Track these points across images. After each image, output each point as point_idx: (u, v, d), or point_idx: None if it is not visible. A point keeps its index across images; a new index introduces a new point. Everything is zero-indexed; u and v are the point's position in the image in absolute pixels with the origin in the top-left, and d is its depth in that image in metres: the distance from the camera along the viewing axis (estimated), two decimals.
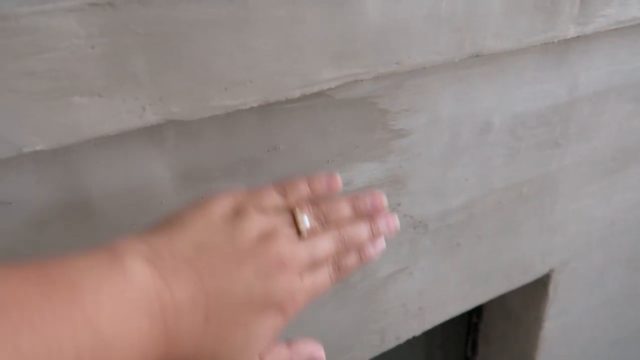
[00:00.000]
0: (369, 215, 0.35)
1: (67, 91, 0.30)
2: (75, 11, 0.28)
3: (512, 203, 0.62)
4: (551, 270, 0.74)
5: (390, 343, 0.62)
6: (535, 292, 0.78)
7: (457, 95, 0.49)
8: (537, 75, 0.53)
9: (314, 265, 0.31)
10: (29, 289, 0.22)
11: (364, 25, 0.37)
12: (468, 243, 0.61)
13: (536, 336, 0.82)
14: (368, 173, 0.48)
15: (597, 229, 0.74)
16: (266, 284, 0.28)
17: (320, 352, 0.34)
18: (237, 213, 0.30)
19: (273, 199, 0.33)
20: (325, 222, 0.33)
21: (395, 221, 0.35)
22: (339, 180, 0.35)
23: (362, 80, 0.40)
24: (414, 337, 0.64)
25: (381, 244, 0.35)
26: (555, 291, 0.77)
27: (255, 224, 0.30)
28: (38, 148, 0.30)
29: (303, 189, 0.34)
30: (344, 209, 0.34)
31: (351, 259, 0.34)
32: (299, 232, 0.32)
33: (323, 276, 0.32)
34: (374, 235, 0.34)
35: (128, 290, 0.25)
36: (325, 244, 0.32)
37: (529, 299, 0.81)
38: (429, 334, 0.75)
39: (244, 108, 0.36)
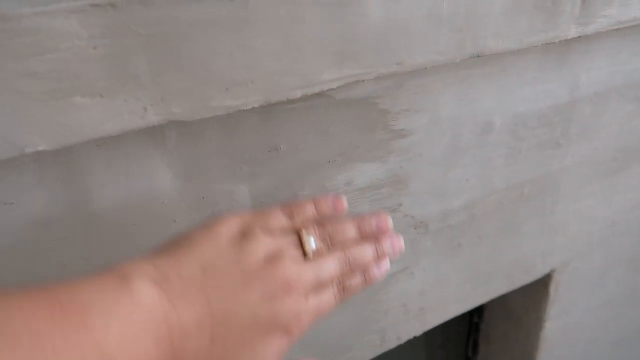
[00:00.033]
0: (374, 237, 0.35)
1: (69, 92, 0.30)
2: (77, 12, 0.28)
3: (514, 203, 0.62)
4: (552, 271, 0.74)
5: (391, 343, 0.62)
6: (537, 292, 0.78)
7: (458, 96, 0.49)
8: (538, 75, 0.53)
9: (319, 286, 0.32)
10: (41, 318, 0.22)
11: (365, 26, 0.37)
12: (469, 243, 0.61)
13: (537, 337, 0.82)
14: (369, 174, 0.48)
15: (599, 229, 0.74)
16: (272, 306, 0.29)
17: None
18: (244, 235, 0.31)
19: (280, 220, 0.33)
20: (331, 244, 0.34)
21: (400, 243, 0.36)
22: (344, 201, 0.36)
23: (363, 81, 0.40)
24: (415, 338, 0.64)
25: (386, 265, 0.35)
26: (557, 291, 0.77)
27: (262, 245, 0.30)
28: (40, 149, 0.30)
29: (309, 210, 0.35)
30: (350, 231, 0.34)
31: (356, 280, 0.34)
32: (304, 253, 0.32)
33: (328, 297, 0.32)
34: (379, 257, 0.35)
35: (136, 313, 0.25)
36: (330, 266, 0.32)
37: (530, 300, 0.81)
38: (430, 335, 0.75)
39: (245, 109, 0.36)
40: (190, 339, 0.27)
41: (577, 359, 0.91)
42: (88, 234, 0.37)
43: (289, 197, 0.44)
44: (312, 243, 0.32)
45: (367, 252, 0.34)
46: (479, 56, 0.44)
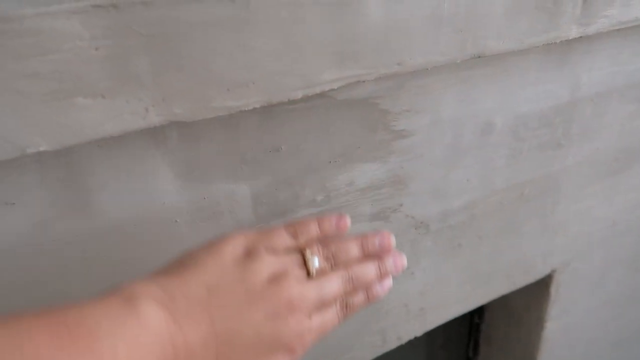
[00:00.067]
0: (377, 255, 0.35)
1: (70, 92, 0.30)
2: (79, 13, 0.28)
3: (514, 204, 0.62)
4: (553, 271, 0.74)
5: (392, 343, 0.62)
6: (537, 292, 0.78)
7: (459, 96, 0.49)
8: (539, 75, 0.53)
9: (322, 305, 0.32)
10: (49, 344, 0.22)
11: (366, 26, 0.37)
12: (470, 244, 0.61)
13: (538, 336, 0.82)
14: (370, 174, 0.48)
15: (599, 229, 0.74)
16: (276, 325, 0.29)
17: None
18: (248, 254, 0.31)
19: (283, 239, 0.34)
20: (334, 263, 0.34)
21: (403, 261, 0.36)
22: (348, 220, 0.36)
23: (363, 81, 0.40)
24: (415, 338, 0.64)
25: (388, 283, 0.36)
26: (557, 292, 0.77)
27: (266, 265, 0.31)
28: (41, 149, 0.30)
29: (313, 229, 0.35)
30: (353, 249, 0.35)
31: (359, 298, 0.35)
32: (308, 272, 0.32)
33: (331, 315, 0.33)
34: (381, 275, 0.35)
35: (142, 335, 0.25)
36: (333, 284, 0.33)
37: (530, 300, 0.81)
38: (430, 335, 0.75)
39: (246, 109, 0.36)
40: (196, 358, 0.27)
41: (577, 359, 0.91)
42: (88, 234, 0.37)
43: (290, 197, 0.45)
44: (315, 262, 0.33)
45: (369, 270, 0.34)
46: (479, 56, 0.44)
